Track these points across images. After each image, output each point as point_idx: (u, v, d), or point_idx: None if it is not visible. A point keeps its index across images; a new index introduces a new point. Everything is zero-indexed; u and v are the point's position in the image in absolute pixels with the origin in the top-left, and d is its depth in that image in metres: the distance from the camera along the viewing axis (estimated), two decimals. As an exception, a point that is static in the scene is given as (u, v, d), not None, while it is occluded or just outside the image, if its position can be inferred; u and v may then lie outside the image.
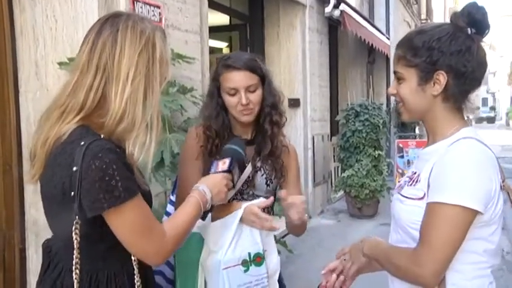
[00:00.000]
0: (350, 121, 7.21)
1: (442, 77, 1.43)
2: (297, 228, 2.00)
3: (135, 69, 1.33)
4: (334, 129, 8.39)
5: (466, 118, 1.55)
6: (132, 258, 1.38)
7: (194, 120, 3.43)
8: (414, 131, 11.22)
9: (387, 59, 11.47)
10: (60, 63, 2.88)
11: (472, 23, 1.43)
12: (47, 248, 1.45)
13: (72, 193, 1.26)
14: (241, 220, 1.76)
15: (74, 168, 1.25)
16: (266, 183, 1.99)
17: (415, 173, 1.52)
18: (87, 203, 1.25)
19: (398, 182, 1.67)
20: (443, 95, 1.45)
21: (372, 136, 7.03)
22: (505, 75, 55.26)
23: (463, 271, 1.40)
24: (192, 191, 1.55)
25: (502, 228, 1.48)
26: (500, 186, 1.40)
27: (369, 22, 9.37)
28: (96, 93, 1.32)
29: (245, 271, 1.73)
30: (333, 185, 8.12)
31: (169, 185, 3.00)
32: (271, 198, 1.86)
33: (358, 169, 7.05)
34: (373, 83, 10.09)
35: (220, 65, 1.96)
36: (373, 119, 7.00)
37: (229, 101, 1.93)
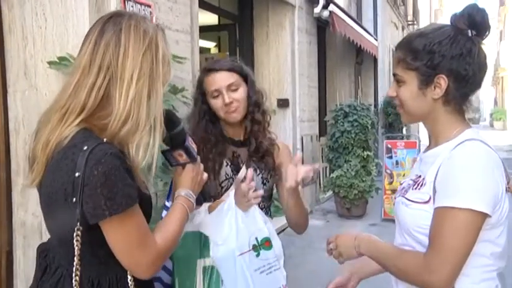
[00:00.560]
0: (339, 122, 7.22)
1: (442, 81, 1.41)
2: (297, 219, 2.00)
3: (139, 69, 1.31)
4: (322, 129, 8.40)
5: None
6: None
7: (185, 121, 3.41)
8: (402, 132, 11.29)
9: (375, 59, 11.53)
10: (50, 63, 2.84)
11: (473, 25, 1.41)
12: (43, 252, 1.41)
13: (74, 199, 1.23)
14: (240, 207, 1.76)
15: (77, 174, 1.22)
16: (262, 182, 2.01)
17: (419, 176, 1.50)
18: (89, 210, 1.22)
19: (401, 184, 1.66)
20: (443, 99, 1.44)
21: (361, 137, 7.06)
22: (488, 76, 55.89)
23: (471, 275, 1.38)
24: (176, 198, 1.51)
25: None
26: (506, 188, 1.39)
27: (357, 23, 9.40)
28: (99, 93, 1.30)
29: (257, 255, 1.74)
30: (322, 185, 8.13)
31: (161, 186, 2.98)
32: (250, 169, 1.82)
33: (347, 170, 7.07)
34: (361, 84, 10.14)
35: (201, 72, 2.02)
36: (362, 119, 7.03)
37: (215, 104, 1.95)
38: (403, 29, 16.59)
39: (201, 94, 1.99)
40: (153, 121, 1.33)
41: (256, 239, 1.75)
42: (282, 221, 3.22)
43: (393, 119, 11.83)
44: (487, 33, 1.44)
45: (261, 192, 1.79)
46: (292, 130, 6.86)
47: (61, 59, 2.83)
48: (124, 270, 1.34)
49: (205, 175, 1.62)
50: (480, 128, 41.58)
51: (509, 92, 24.29)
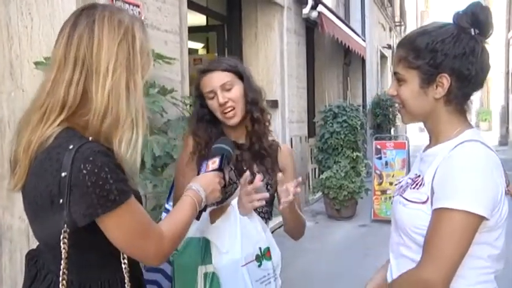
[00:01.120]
0: (328, 122, 7.21)
1: (445, 80, 1.39)
2: (292, 227, 1.96)
3: (115, 60, 1.25)
4: (311, 130, 8.39)
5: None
6: (123, 266, 1.30)
7: (174, 122, 3.38)
8: (390, 132, 11.33)
9: (363, 60, 11.56)
10: (36, 63, 2.78)
11: (476, 23, 1.39)
12: (32, 258, 1.36)
13: (61, 200, 1.18)
14: (242, 210, 1.74)
15: (63, 174, 1.17)
16: (266, 187, 1.93)
17: (418, 176, 1.48)
18: (81, 210, 1.17)
19: (399, 182, 1.64)
20: (445, 98, 1.41)
21: (350, 138, 7.06)
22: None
23: (467, 277, 1.36)
24: (186, 191, 1.50)
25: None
26: (505, 191, 1.38)
27: (345, 24, 9.41)
28: (77, 89, 1.24)
29: (259, 266, 1.72)
30: (311, 186, 8.11)
31: (150, 188, 2.93)
32: (258, 176, 1.78)
33: (337, 171, 7.05)
34: (350, 85, 10.16)
35: (197, 74, 1.97)
36: (351, 120, 7.03)
37: (211, 105, 1.91)
38: (390, 30, 16.67)
39: (199, 96, 1.95)
40: (135, 114, 1.27)
41: (260, 248, 1.73)
42: (275, 220, 3.20)
43: (381, 120, 11.88)
44: (491, 32, 1.41)
45: (266, 194, 1.75)
46: (281, 131, 6.84)
47: (48, 59, 2.76)
48: (117, 274, 1.30)
49: (222, 183, 1.62)
50: (466, 128, 41.87)
51: (494, 93, 24.59)
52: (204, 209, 1.56)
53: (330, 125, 7.16)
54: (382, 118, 11.79)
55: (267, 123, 2.00)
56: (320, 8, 7.40)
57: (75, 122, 1.26)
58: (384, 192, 7.21)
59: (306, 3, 7.32)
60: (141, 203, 1.39)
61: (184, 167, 1.93)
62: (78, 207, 1.17)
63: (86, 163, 1.16)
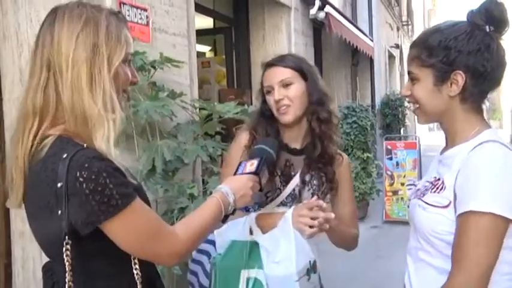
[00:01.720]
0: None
1: (459, 77, 1.36)
2: (335, 242, 1.88)
3: (73, 54, 1.20)
4: (321, 131, 8.32)
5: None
6: (134, 272, 1.26)
7: (184, 126, 3.35)
8: (400, 132, 11.26)
9: (371, 60, 11.50)
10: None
11: (491, 20, 1.36)
12: (49, 270, 1.32)
13: (59, 211, 1.14)
14: (293, 225, 1.67)
15: (59, 185, 1.13)
16: (312, 194, 1.85)
17: (438, 179, 1.44)
18: (81, 219, 1.14)
19: (414, 186, 1.61)
20: (461, 96, 1.39)
21: (360, 138, 7.03)
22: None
23: (494, 282, 1.31)
24: (214, 192, 1.45)
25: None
26: None
27: (352, 24, 9.36)
28: (45, 93, 1.21)
29: (308, 279, 1.68)
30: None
31: (161, 193, 2.91)
32: (320, 201, 1.70)
33: (347, 172, 7.01)
34: (358, 85, 10.11)
35: (262, 67, 1.92)
36: (361, 121, 7.01)
37: (268, 100, 1.86)
38: (398, 29, 16.60)
39: (262, 91, 1.91)
40: (103, 107, 1.21)
41: (310, 262, 1.68)
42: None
43: (391, 120, 11.82)
44: (506, 28, 1.38)
45: (331, 215, 1.67)
46: (291, 133, 6.78)
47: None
48: (129, 281, 1.26)
49: (256, 188, 1.55)
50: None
51: (504, 92, 24.43)
52: (233, 213, 1.49)
53: (340, 125, 7.11)
54: (392, 118, 11.73)
55: (334, 129, 1.89)
56: (327, 8, 7.36)
57: (65, 129, 1.23)
58: (395, 193, 7.16)
59: (313, 4, 7.27)
60: (148, 202, 1.35)
61: (233, 161, 1.83)
62: (78, 216, 1.14)
63: (81, 171, 1.12)
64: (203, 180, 3.64)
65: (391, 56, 15.12)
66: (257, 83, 1.97)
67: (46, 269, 1.34)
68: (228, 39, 6.62)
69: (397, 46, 15.63)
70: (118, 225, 1.17)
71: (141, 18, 3.30)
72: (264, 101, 1.90)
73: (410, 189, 7.02)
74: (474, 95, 1.39)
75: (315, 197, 1.75)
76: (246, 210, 1.75)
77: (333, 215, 1.67)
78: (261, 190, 1.58)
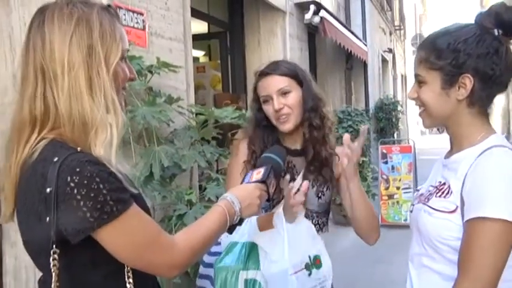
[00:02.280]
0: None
1: (468, 81, 1.34)
2: (367, 218, 1.80)
3: (68, 58, 1.13)
4: (316, 136, 8.30)
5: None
6: (128, 286, 1.18)
7: (181, 131, 3.31)
8: (393, 136, 11.29)
9: (365, 65, 11.53)
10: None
11: (500, 24, 1.34)
12: (44, 284, 1.23)
13: (48, 218, 1.06)
14: (287, 217, 1.65)
15: (48, 190, 1.05)
16: (317, 195, 1.85)
17: (443, 183, 1.41)
18: (72, 227, 1.06)
19: (417, 190, 1.59)
20: (468, 100, 1.36)
21: (356, 143, 7.01)
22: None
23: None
24: (219, 201, 1.36)
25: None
26: None
27: (347, 28, 9.38)
28: (43, 101, 1.14)
29: (309, 275, 1.65)
30: (317, 193, 8.03)
31: (159, 200, 2.86)
32: (306, 182, 1.69)
33: (343, 176, 7.00)
34: (352, 89, 10.11)
35: (255, 76, 1.89)
36: (357, 125, 7.00)
37: (267, 110, 1.84)
38: (390, 34, 16.66)
39: (256, 100, 1.88)
40: (105, 110, 1.15)
41: (309, 256, 1.65)
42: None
43: (385, 124, 11.84)
44: None
45: (302, 199, 1.66)
46: (286, 138, 6.76)
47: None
48: None
49: (264, 197, 1.47)
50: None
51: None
52: (240, 223, 1.42)
53: (335, 130, 7.09)
54: (386, 122, 11.75)
55: (328, 132, 1.88)
56: (322, 13, 7.36)
57: (61, 133, 1.16)
58: (390, 196, 7.14)
59: (308, 9, 7.28)
60: (149, 210, 1.27)
61: (235, 175, 1.81)
62: (68, 223, 1.06)
63: (73, 175, 1.05)
64: (200, 186, 3.60)
65: (384, 61, 15.18)
66: (252, 88, 1.94)
67: (42, 282, 1.27)
68: (223, 43, 6.59)
69: (390, 50, 15.69)
70: (112, 233, 1.09)
71: (137, 23, 3.26)
72: (259, 110, 1.87)
73: (407, 192, 7.06)
74: (482, 99, 1.37)
75: (291, 183, 1.72)
76: None
77: (307, 185, 1.68)
78: (268, 200, 1.52)
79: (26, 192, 1.13)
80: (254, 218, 1.72)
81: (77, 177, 1.05)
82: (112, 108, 1.16)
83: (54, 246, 1.08)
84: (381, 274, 5.13)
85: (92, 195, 1.05)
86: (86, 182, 1.05)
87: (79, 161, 1.07)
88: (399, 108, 12.64)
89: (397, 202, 7.07)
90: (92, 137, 1.13)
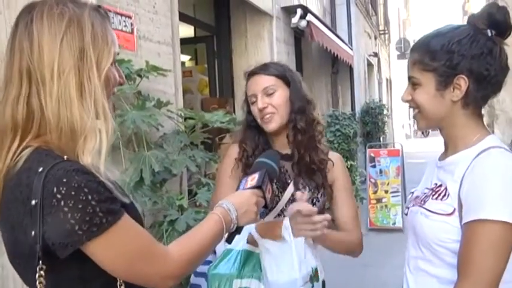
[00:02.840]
0: (321, 132, 7.18)
1: (463, 82, 1.33)
2: (333, 250, 1.84)
3: (59, 62, 1.07)
4: (303, 140, 8.30)
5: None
6: None
7: (171, 136, 3.27)
8: (380, 140, 11.34)
9: (351, 69, 11.58)
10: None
11: (493, 24, 1.34)
12: None
13: (33, 232, 1.00)
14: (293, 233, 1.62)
15: (33, 202, 1.00)
16: (312, 202, 1.81)
17: (440, 185, 1.40)
18: (60, 240, 1.00)
19: (411, 193, 1.58)
20: (463, 101, 1.36)
21: (344, 146, 7.05)
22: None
23: None
24: (215, 208, 1.31)
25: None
26: None
27: (333, 33, 9.41)
28: (26, 105, 1.08)
29: (312, 287, 1.64)
30: (305, 197, 8.03)
31: (150, 205, 2.81)
32: (302, 194, 1.67)
33: (331, 180, 7.01)
34: (338, 93, 10.14)
35: (245, 77, 1.88)
36: (344, 129, 7.02)
37: (253, 110, 1.81)
38: (375, 38, 16.78)
39: (246, 101, 1.87)
40: (95, 117, 1.09)
41: (312, 269, 1.65)
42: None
43: (371, 128, 11.89)
44: (509, 32, 1.36)
45: (327, 216, 1.63)
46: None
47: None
48: None
49: (261, 203, 1.42)
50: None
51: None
52: (238, 231, 1.37)
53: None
54: (372, 126, 11.81)
55: (318, 136, 1.85)
56: (309, 17, 7.38)
57: (47, 140, 1.09)
58: (379, 200, 7.16)
59: (295, 13, 7.29)
60: (141, 220, 1.22)
61: (226, 177, 1.80)
62: (56, 237, 1.00)
63: (59, 186, 0.99)
64: (189, 191, 3.57)
65: (369, 65, 15.27)
66: (240, 92, 1.94)
67: None
68: (210, 47, 6.56)
69: (375, 54, 15.80)
70: (103, 246, 1.04)
71: (125, 26, 3.21)
72: (249, 112, 1.86)
73: (395, 196, 7.08)
74: (477, 99, 1.37)
75: (304, 198, 1.69)
76: None
77: (328, 216, 1.64)
78: (266, 206, 1.47)
79: (10, 204, 1.07)
80: (253, 226, 1.70)
81: (64, 188, 0.99)
82: (102, 114, 1.11)
83: (40, 262, 1.02)
84: (372, 278, 5.13)
85: (80, 206, 0.99)
86: (73, 193, 1.00)
87: (66, 171, 1.01)
88: (385, 112, 12.72)
89: (386, 206, 7.08)
90: (80, 144, 1.08)
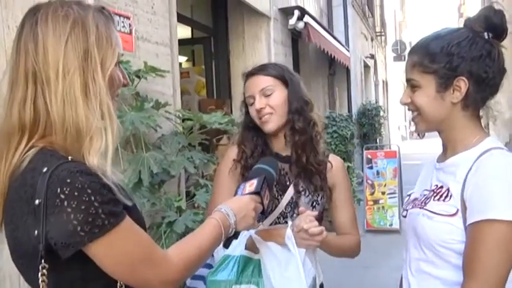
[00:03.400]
0: (318, 133, 7.18)
1: (463, 84, 1.35)
2: (333, 254, 1.85)
3: (63, 63, 1.08)
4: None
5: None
6: None
7: (169, 137, 3.26)
8: (376, 142, 11.36)
9: (347, 70, 11.59)
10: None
11: (490, 27, 1.36)
12: None
13: (36, 232, 1.01)
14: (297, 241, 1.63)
15: (37, 202, 1.01)
16: (312, 204, 1.81)
17: (441, 187, 1.40)
18: (62, 241, 1.01)
19: (408, 196, 1.58)
20: (462, 103, 1.37)
21: (341, 148, 7.05)
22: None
23: None
24: (213, 213, 1.31)
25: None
26: None
27: (330, 34, 9.42)
28: (33, 106, 1.09)
29: None
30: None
31: (148, 207, 2.80)
32: (314, 212, 1.68)
33: (328, 182, 7.01)
34: (335, 95, 10.14)
35: (243, 78, 1.86)
36: (341, 130, 7.03)
37: (251, 111, 1.80)
38: (372, 40, 16.81)
39: (245, 102, 1.86)
40: (100, 118, 1.10)
41: (313, 278, 1.64)
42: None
43: (367, 129, 11.91)
44: (505, 35, 1.38)
45: (321, 229, 1.63)
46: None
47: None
48: None
49: (259, 209, 1.43)
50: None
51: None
52: (235, 236, 1.37)
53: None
54: (369, 128, 11.82)
55: (316, 137, 1.83)
56: (306, 18, 7.39)
57: (52, 141, 1.10)
58: (376, 202, 7.16)
59: (292, 14, 7.30)
60: (143, 222, 1.23)
61: (224, 179, 1.80)
62: (58, 237, 1.01)
63: (63, 186, 1.00)
64: (188, 192, 3.55)
65: (366, 66, 15.30)
66: (237, 93, 1.94)
67: None
68: (207, 49, 6.55)
69: (372, 56, 15.84)
70: (104, 248, 1.04)
71: (123, 26, 3.20)
72: (247, 113, 1.85)
73: (392, 197, 7.08)
74: (477, 101, 1.38)
75: (308, 210, 1.70)
76: None
77: (324, 233, 1.63)
78: (263, 212, 1.48)
79: (14, 203, 1.08)
80: (252, 232, 1.70)
81: (67, 189, 1.00)
82: (107, 115, 1.12)
83: (43, 261, 1.03)
84: (369, 279, 5.13)
85: (83, 207, 1.00)
86: (76, 193, 1.00)
87: (70, 172, 1.02)
88: (381, 113, 12.74)
89: (383, 207, 7.09)
90: (86, 145, 1.09)
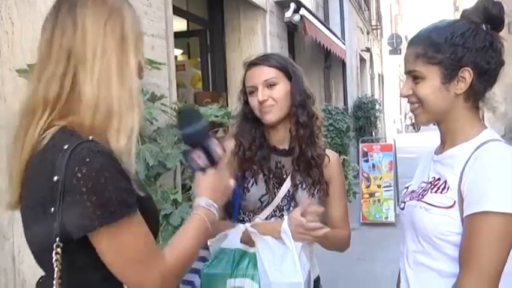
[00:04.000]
0: (314, 126, 7.18)
1: (467, 75, 1.34)
2: (326, 247, 1.86)
3: (102, 43, 1.12)
4: (296, 135, 8.31)
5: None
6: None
7: (165, 130, 3.24)
8: (372, 135, 11.38)
9: (343, 64, 11.58)
10: (18, 71, 2.61)
11: (488, 18, 1.36)
12: (42, 285, 1.18)
13: (52, 209, 1.02)
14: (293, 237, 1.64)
15: (55, 178, 1.01)
16: (308, 198, 1.80)
17: (438, 179, 1.40)
18: (73, 221, 1.01)
19: (406, 188, 1.58)
20: (465, 94, 1.37)
21: (337, 141, 7.05)
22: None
23: (506, 283, 1.29)
24: (195, 208, 1.30)
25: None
26: None
27: (326, 27, 9.40)
28: (61, 83, 1.11)
29: None
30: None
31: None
32: (307, 200, 1.70)
33: (324, 175, 7.03)
34: (331, 88, 10.14)
35: (244, 67, 1.84)
36: (337, 123, 7.03)
37: (251, 101, 1.78)
38: (368, 33, 16.80)
39: (243, 92, 1.83)
40: (130, 99, 1.14)
41: (309, 273, 1.64)
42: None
43: (363, 123, 11.93)
44: (502, 26, 1.38)
45: (323, 230, 1.64)
46: (267, 136, 6.74)
47: (31, 66, 2.62)
48: None
49: (231, 182, 1.40)
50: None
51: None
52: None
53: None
54: (364, 121, 11.84)
55: (318, 131, 1.83)
56: (302, 11, 7.37)
57: (73, 120, 1.11)
58: (372, 195, 7.18)
59: (288, 7, 7.27)
60: (157, 212, 1.25)
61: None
62: (71, 217, 1.01)
63: (81, 165, 1.01)
64: (184, 185, 3.55)
65: (362, 60, 15.30)
66: (233, 86, 1.91)
67: (39, 284, 1.20)
68: (203, 41, 6.51)
69: (368, 49, 15.82)
70: (109, 236, 1.04)
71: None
72: (246, 103, 1.83)
73: (388, 191, 7.10)
74: (478, 92, 1.38)
75: (308, 200, 1.72)
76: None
77: (325, 229, 1.65)
78: (213, 162, 1.35)
79: (33, 179, 1.09)
80: (248, 226, 1.70)
81: (85, 168, 1.01)
82: (136, 99, 1.15)
83: (57, 239, 1.03)
84: (365, 271, 5.15)
85: (98, 189, 1.01)
86: (93, 174, 1.01)
87: (90, 151, 1.03)
88: (377, 107, 12.76)
89: (378, 200, 7.11)
90: (115, 124, 1.11)
